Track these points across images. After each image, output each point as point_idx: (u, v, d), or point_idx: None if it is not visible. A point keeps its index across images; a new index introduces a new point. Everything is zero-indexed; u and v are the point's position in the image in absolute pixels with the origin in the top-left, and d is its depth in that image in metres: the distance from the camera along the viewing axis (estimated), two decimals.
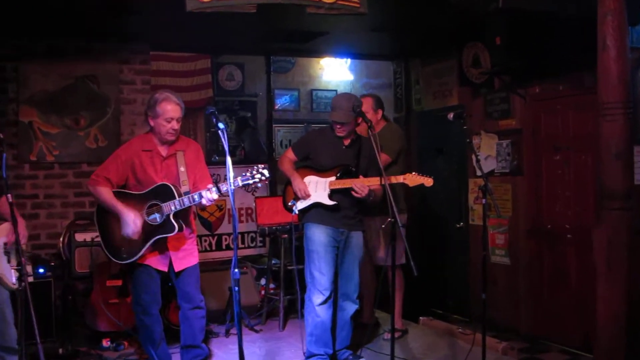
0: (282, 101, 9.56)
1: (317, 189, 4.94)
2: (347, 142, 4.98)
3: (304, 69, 9.50)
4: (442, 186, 6.99)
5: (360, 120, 4.96)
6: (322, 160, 5.06)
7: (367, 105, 5.65)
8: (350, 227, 5.05)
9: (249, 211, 7.64)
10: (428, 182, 4.84)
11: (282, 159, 5.09)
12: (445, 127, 7.04)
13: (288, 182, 5.11)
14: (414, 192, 6.05)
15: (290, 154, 5.16)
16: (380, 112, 5.85)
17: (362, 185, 4.75)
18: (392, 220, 4.32)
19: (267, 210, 6.89)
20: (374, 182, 4.83)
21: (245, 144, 8.72)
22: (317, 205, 4.96)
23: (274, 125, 8.74)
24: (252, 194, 7.53)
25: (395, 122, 7.53)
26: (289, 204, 5.03)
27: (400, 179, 4.82)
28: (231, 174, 3.70)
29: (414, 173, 4.88)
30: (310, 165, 5.11)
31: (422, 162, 8.05)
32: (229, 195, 3.84)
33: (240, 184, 4.09)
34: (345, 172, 5.01)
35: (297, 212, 5.01)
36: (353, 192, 4.76)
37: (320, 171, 5.06)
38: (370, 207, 5.21)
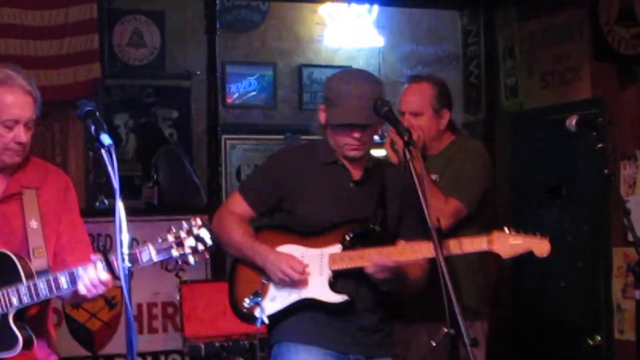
0: (240, 87, 7.46)
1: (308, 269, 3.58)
2: (357, 172, 3.61)
3: (284, 24, 7.51)
4: (559, 261, 5.55)
5: (381, 130, 3.75)
6: (312, 212, 3.58)
7: (419, 100, 4.13)
8: (371, 351, 3.58)
9: (170, 311, 5.88)
10: (540, 247, 3.37)
11: (221, 215, 3.72)
12: (564, 143, 5.68)
13: (238, 261, 3.70)
14: (502, 275, 5.34)
15: (240, 204, 3.70)
16: (446, 114, 4.18)
17: (387, 261, 3.41)
18: (452, 332, 3.09)
19: (203, 310, 5.41)
20: (423, 251, 3.42)
21: (161, 174, 6.78)
22: (306, 307, 3.55)
23: (223, 136, 6.77)
24: (176, 276, 5.80)
25: (468, 130, 6.15)
26: (246, 304, 3.59)
27: (481, 243, 3.42)
28: (125, 236, 2.62)
29: (507, 230, 3.40)
30: (284, 224, 3.65)
31: (519, 211, 6.41)
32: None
33: (154, 258, 2.91)
34: (361, 235, 3.55)
35: (263, 321, 3.57)
36: (374, 275, 3.43)
37: (308, 235, 3.59)
38: (406, 303, 3.85)
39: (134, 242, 5.26)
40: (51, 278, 3.21)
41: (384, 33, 7.67)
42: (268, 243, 3.61)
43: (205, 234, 3.00)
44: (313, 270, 3.54)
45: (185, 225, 2.96)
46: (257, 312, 3.59)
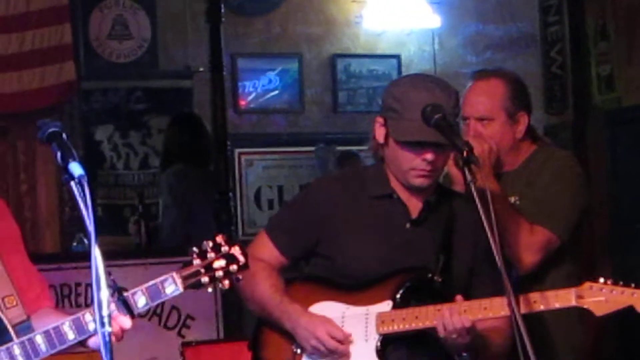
0: (258, 86, 7.26)
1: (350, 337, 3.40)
2: (417, 208, 3.35)
3: (311, 3, 7.36)
4: None
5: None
6: (355, 260, 3.35)
7: (488, 102, 3.80)
8: None
9: None
10: None
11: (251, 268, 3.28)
12: None
13: (264, 322, 3.45)
14: (604, 324, 4.18)
15: (267, 248, 3.46)
16: (524, 119, 3.85)
17: (462, 320, 3.13)
18: None
19: None
20: (493, 308, 3.17)
21: (164, 217, 6.44)
22: None
23: (236, 150, 6.75)
24: (178, 335, 5.52)
25: (551, 136, 5.86)
26: None
27: (569, 298, 3.15)
28: (105, 293, 2.44)
29: (602, 280, 3.17)
30: (321, 275, 3.43)
31: (621, 240, 6.31)
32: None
33: (181, 287, 2.82)
34: (417, 288, 3.30)
35: None
36: (441, 334, 3.20)
37: (351, 289, 3.37)
38: None
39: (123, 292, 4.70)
40: (51, 330, 2.95)
41: (441, 11, 7.43)
42: (301, 299, 3.39)
43: (237, 251, 2.95)
44: (357, 335, 3.33)
45: (209, 244, 2.90)
46: None
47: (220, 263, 2.91)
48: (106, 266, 2.50)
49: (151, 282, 2.90)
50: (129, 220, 6.70)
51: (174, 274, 2.87)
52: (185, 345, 5.11)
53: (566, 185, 3.84)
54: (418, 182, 3.27)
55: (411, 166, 3.25)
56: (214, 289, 3.00)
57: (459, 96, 3.43)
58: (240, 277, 2.95)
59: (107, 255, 2.46)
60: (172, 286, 2.88)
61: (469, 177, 3.05)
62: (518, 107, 3.81)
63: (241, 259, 2.96)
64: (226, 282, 2.93)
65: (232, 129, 6.38)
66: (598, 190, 6.26)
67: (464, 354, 3.23)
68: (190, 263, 2.89)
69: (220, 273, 2.91)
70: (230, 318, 5.64)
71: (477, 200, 3.01)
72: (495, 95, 3.81)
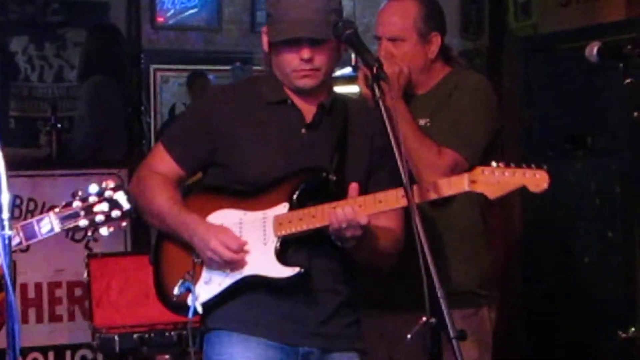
0: (176, 3, 7.22)
1: (248, 241, 3.34)
2: (311, 110, 3.35)
3: None
4: (584, 230, 5.69)
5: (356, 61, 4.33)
6: (251, 165, 3.33)
7: (400, 21, 3.79)
8: (328, 343, 3.36)
9: (78, 293, 5.65)
10: (536, 181, 3.11)
11: (141, 175, 3.46)
12: (592, 78, 5.59)
13: (164, 236, 3.42)
14: (512, 249, 5.29)
15: (164, 160, 3.43)
16: (436, 39, 3.85)
17: (355, 212, 3.13)
18: (432, 321, 2.87)
19: (118, 293, 5.23)
20: (389, 200, 3.19)
21: (80, 112, 6.49)
22: (249, 287, 3.30)
23: (151, 66, 6.83)
24: (86, 247, 5.56)
25: (467, 61, 5.68)
26: (177, 290, 3.30)
27: (462, 183, 3.13)
28: (5, 196, 2.55)
29: (495, 164, 3.17)
30: (219, 184, 3.41)
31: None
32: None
33: (56, 228, 2.91)
34: (312, 188, 3.30)
35: (196, 310, 3.32)
36: (333, 232, 3.19)
37: (248, 195, 3.34)
38: (377, 284, 3.65)
39: (31, 202, 5.05)
40: None
41: None
42: (199, 209, 3.34)
43: (121, 197, 2.94)
44: (256, 239, 3.30)
45: (95, 187, 2.91)
46: (189, 300, 3.30)
47: (101, 207, 2.91)
48: (14, 176, 2.51)
49: (27, 221, 2.90)
50: (41, 132, 6.62)
51: (51, 214, 2.89)
52: (91, 257, 5.29)
53: (477, 109, 3.83)
54: (302, 83, 3.26)
55: (292, 68, 3.25)
56: (92, 233, 3.15)
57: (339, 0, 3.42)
58: (124, 223, 2.91)
59: (15, 166, 2.49)
60: (47, 226, 2.89)
61: (377, 93, 3.02)
62: (431, 28, 3.78)
63: (125, 205, 2.94)
64: (106, 229, 2.92)
65: (148, 44, 6.39)
66: (510, 115, 6.14)
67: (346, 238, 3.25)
68: (69, 204, 2.90)
69: (101, 217, 2.91)
70: (139, 231, 5.48)
71: (384, 116, 2.99)
72: (407, 16, 3.78)
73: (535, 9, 6.33)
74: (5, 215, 2.57)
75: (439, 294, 2.86)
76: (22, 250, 3.09)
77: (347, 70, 5.03)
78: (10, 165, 2.53)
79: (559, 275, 6.05)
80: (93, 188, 2.92)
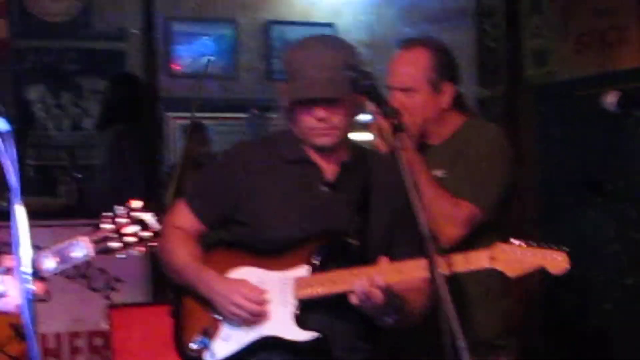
0: (192, 51, 7.10)
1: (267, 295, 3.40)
2: (332, 170, 3.35)
3: None
4: (602, 277, 5.66)
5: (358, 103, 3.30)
6: (271, 224, 3.33)
7: (411, 72, 3.76)
8: None
9: (97, 342, 5.61)
10: (556, 263, 3.04)
11: (164, 231, 3.27)
12: (608, 125, 5.60)
13: (184, 290, 3.41)
14: (530, 297, 5.36)
15: (184, 216, 3.45)
16: (448, 89, 3.78)
17: (379, 282, 3.08)
18: None
19: (139, 343, 5.07)
20: (412, 271, 3.16)
21: (97, 178, 6.56)
22: (267, 347, 3.30)
23: (168, 114, 6.65)
24: (105, 298, 5.53)
25: (484, 109, 6.27)
26: (194, 345, 3.32)
27: (481, 259, 3.11)
28: (28, 250, 2.50)
29: (516, 242, 3.11)
30: (239, 241, 3.40)
31: (550, 214, 6.30)
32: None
33: (91, 253, 2.81)
34: (334, 252, 3.28)
35: None
36: (355, 300, 3.17)
37: (268, 254, 3.34)
38: (400, 339, 3.60)
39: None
40: None
41: None
42: (219, 266, 3.34)
43: (149, 217, 2.86)
44: (274, 300, 3.30)
45: (121, 209, 2.83)
46: (207, 356, 3.31)
47: (132, 229, 2.85)
48: (32, 226, 2.48)
49: (59, 245, 2.84)
50: (59, 181, 6.57)
51: (83, 238, 2.82)
52: (112, 307, 5.32)
53: (493, 160, 3.80)
54: (319, 141, 3.24)
55: (308, 126, 3.22)
56: (127, 255, 2.95)
57: (354, 53, 3.33)
58: (154, 244, 2.89)
59: (34, 215, 2.46)
60: (80, 251, 2.82)
61: (396, 144, 2.96)
62: (442, 78, 3.75)
63: (154, 226, 2.89)
64: (139, 249, 2.86)
65: (165, 93, 6.38)
66: (528, 163, 6.30)
67: (387, 318, 3.20)
68: (100, 228, 2.82)
69: (132, 239, 2.85)
70: (159, 281, 5.53)
71: (402, 166, 2.92)
72: (418, 66, 3.76)
73: (551, 57, 6.46)
74: (28, 267, 2.51)
75: (460, 345, 2.78)
76: (42, 300, 2.85)
77: (367, 117, 4.79)
78: (29, 215, 2.49)
79: (578, 322, 6.04)
80: (120, 210, 2.84)
